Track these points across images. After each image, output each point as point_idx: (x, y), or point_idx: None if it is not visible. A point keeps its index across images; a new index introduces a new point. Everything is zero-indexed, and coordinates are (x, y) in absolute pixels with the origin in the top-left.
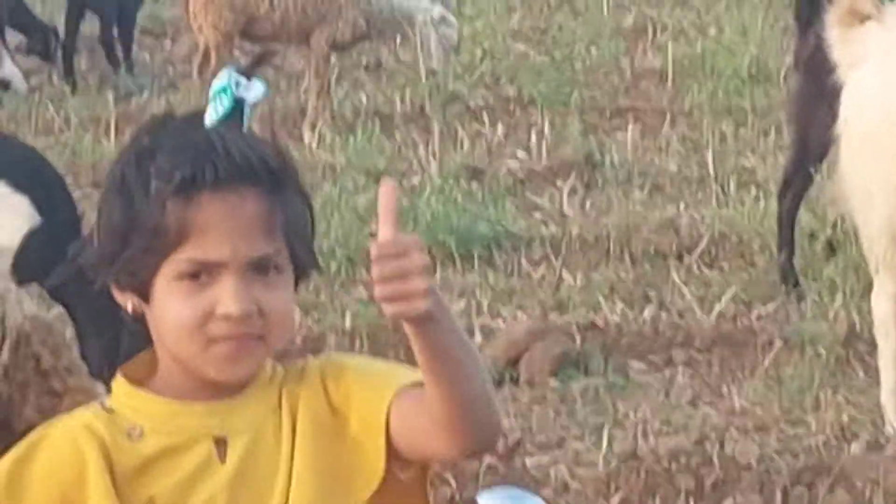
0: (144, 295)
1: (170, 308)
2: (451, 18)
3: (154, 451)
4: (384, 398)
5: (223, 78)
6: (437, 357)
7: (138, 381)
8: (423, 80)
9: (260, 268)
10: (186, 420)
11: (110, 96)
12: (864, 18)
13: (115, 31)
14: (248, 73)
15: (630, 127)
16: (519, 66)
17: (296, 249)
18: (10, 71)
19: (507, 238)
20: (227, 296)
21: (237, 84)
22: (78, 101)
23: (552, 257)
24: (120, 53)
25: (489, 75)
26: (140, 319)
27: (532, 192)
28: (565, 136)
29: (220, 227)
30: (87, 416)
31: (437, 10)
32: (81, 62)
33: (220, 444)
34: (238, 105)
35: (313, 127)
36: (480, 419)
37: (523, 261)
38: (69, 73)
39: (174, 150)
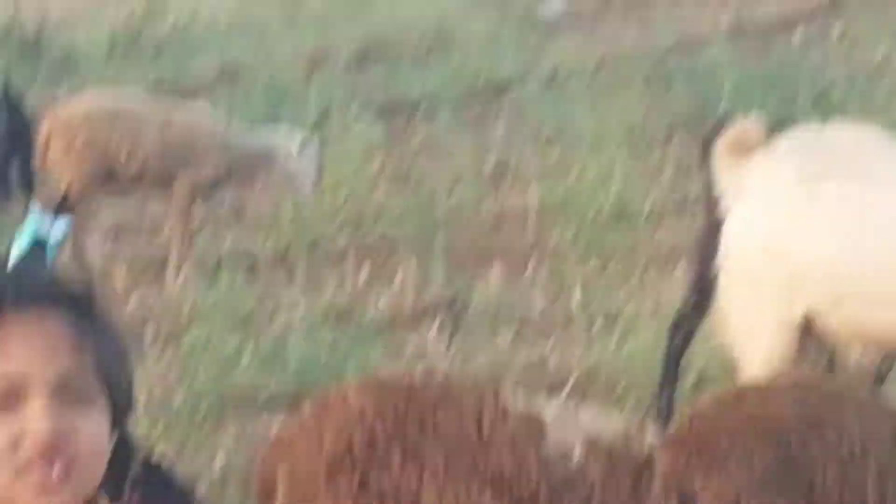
0: None
1: None
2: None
3: None
4: None
5: (28, 222)
6: None
7: None
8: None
9: (68, 393)
10: None
11: None
12: (751, 150)
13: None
14: (55, 213)
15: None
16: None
17: (110, 383)
18: None
19: None
20: (35, 415)
21: (40, 226)
22: None
23: None
24: None
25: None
26: None
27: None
28: (430, 278)
29: (23, 342)
30: None
31: (298, 138)
32: None
33: None
34: (42, 245)
35: (178, 271)
36: None
37: None
38: None
39: None
